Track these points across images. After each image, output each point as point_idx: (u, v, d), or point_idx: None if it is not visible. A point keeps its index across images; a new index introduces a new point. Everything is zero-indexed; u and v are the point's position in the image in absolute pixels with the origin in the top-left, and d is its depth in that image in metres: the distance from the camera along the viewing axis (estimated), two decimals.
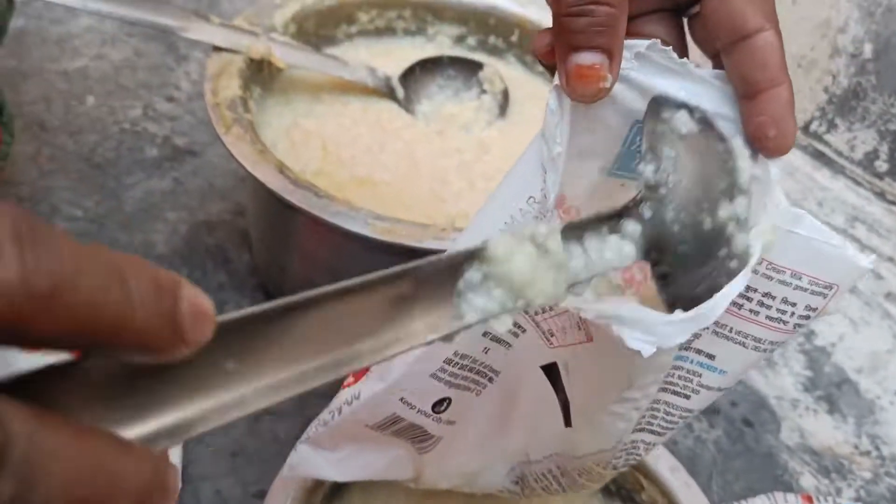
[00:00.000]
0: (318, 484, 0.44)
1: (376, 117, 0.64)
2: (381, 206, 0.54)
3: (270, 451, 0.57)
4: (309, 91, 0.65)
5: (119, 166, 0.75)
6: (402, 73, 0.67)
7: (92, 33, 0.87)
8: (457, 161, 0.62)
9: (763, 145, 0.29)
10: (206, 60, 0.60)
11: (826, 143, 0.76)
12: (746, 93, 0.29)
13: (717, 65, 0.31)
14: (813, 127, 0.76)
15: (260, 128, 0.58)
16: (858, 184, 0.75)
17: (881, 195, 0.74)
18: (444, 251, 0.50)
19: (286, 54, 0.62)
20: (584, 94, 0.29)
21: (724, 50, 0.30)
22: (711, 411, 0.64)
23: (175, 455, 0.53)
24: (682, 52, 0.32)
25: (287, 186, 0.51)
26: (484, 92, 0.68)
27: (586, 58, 0.28)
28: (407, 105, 0.66)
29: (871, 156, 0.74)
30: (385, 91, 0.66)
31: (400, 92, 0.66)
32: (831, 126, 0.75)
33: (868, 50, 0.70)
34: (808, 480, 0.61)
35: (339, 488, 0.46)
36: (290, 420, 0.57)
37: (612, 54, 0.29)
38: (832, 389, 0.66)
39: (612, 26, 0.28)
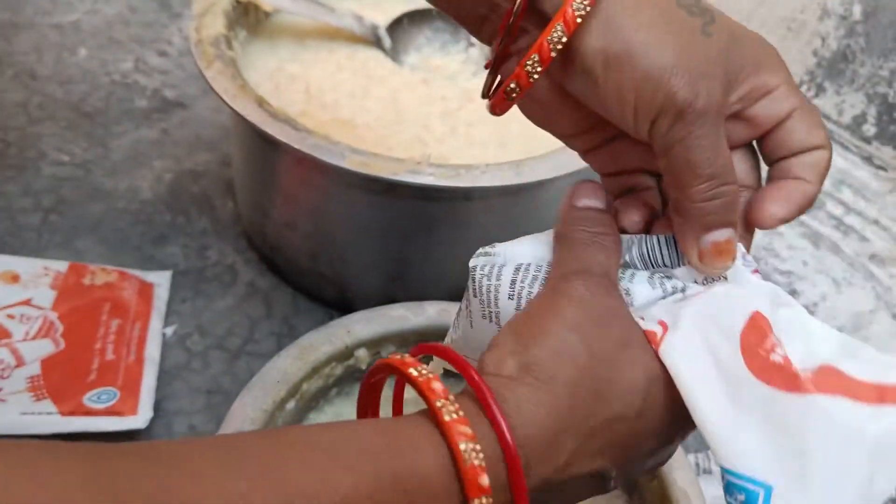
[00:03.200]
0: (291, 394, 0.44)
1: (362, 64, 0.64)
2: (363, 146, 0.54)
3: None
4: (295, 36, 0.65)
5: (108, 116, 0.75)
6: (390, 23, 0.67)
7: None
8: (441, 108, 0.62)
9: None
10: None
11: None
12: (777, 176, 0.32)
13: None
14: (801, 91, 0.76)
15: (244, 70, 0.58)
16: (846, 148, 0.75)
17: (868, 159, 0.74)
18: (420, 185, 0.51)
19: None
20: (721, 267, 0.31)
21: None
22: None
23: (150, 389, 0.54)
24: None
25: (265, 119, 0.52)
26: (471, 45, 0.68)
27: (722, 234, 0.30)
28: (394, 55, 0.66)
29: (859, 119, 0.73)
30: (371, 39, 0.66)
31: (387, 42, 0.66)
32: (819, 90, 0.75)
33: (857, 11, 0.69)
34: None
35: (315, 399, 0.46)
36: (267, 360, 0.57)
37: (737, 226, 0.31)
38: None
39: (738, 202, 0.31)
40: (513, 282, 0.31)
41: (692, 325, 0.29)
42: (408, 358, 0.28)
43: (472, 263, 0.33)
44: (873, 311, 0.68)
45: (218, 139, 0.75)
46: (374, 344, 0.48)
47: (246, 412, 0.42)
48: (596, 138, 0.35)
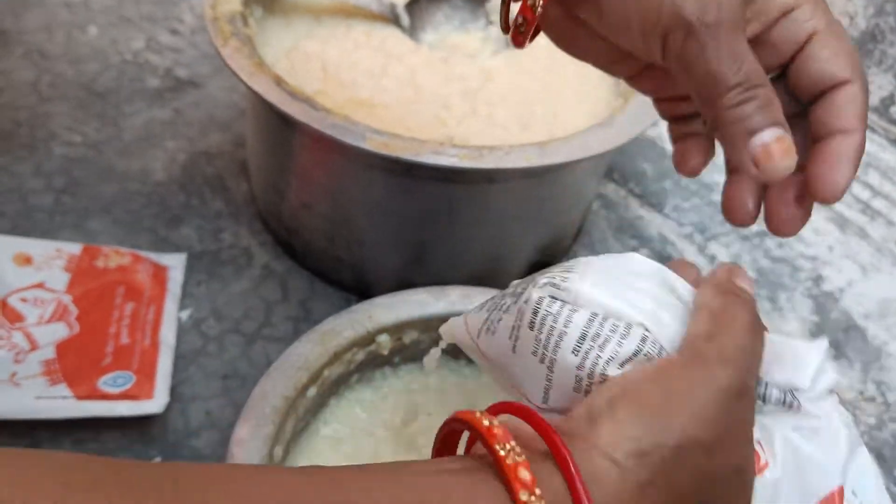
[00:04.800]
0: (313, 380, 0.43)
1: (380, 42, 0.63)
2: (382, 126, 0.53)
3: (262, 374, 0.56)
4: (311, 14, 0.63)
5: (119, 95, 0.74)
6: (408, 1, 0.65)
7: None
8: (461, 87, 0.60)
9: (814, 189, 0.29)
10: None
11: None
12: (818, 136, 0.30)
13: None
14: None
15: (260, 48, 0.57)
16: (873, 130, 0.73)
17: None
18: (443, 166, 0.49)
19: None
20: (784, 167, 0.28)
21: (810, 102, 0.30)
22: None
23: (165, 373, 0.53)
24: None
25: (284, 98, 0.50)
26: (491, 23, 0.66)
27: (770, 133, 0.28)
28: (412, 33, 0.65)
29: (887, 101, 0.72)
30: (389, 17, 0.64)
31: (405, 19, 0.65)
32: None
33: None
34: None
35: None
36: (283, 345, 0.56)
37: (787, 128, 0.29)
38: (839, 335, 0.65)
39: (776, 103, 0.28)
40: (582, 337, 0.28)
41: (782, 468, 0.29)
42: (480, 413, 0.25)
43: (536, 295, 0.30)
44: None
45: (231, 119, 0.74)
46: (396, 329, 0.47)
47: (267, 399, 0.40)
48: (634, 65, 0.34)
